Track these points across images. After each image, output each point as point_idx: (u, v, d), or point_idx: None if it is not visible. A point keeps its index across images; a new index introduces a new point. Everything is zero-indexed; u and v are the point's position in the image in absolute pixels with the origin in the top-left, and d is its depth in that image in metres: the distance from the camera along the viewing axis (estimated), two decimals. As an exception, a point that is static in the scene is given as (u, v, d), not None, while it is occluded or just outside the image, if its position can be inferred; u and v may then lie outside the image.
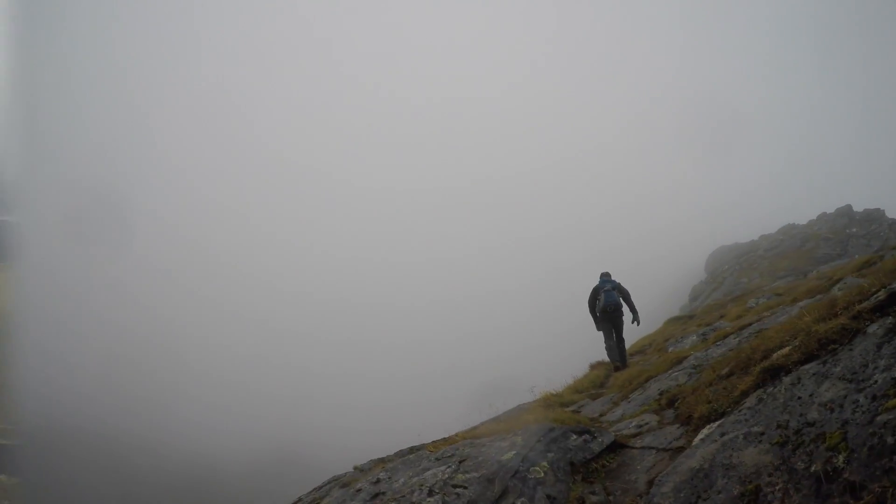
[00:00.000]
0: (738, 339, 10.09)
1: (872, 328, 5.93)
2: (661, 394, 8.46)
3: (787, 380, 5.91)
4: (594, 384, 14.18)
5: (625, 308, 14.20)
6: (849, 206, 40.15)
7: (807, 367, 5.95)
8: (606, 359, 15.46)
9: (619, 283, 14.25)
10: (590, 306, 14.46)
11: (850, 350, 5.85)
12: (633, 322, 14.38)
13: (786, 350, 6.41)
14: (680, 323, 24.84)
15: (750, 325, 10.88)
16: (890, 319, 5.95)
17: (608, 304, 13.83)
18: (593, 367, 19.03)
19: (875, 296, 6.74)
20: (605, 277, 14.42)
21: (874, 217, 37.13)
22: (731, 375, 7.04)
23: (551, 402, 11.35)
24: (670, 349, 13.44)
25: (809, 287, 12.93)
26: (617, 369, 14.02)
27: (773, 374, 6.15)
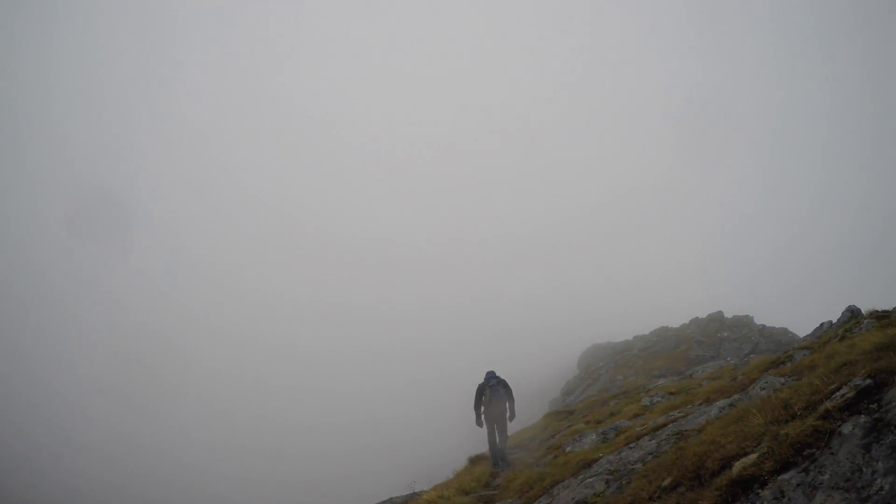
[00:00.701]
0: (654, 441, 8.86)
1: (847, 428, 5.04)
2: (578, 504, 7.01)
3: (766, 494, 4.68)
4: (480, 483, 12.67)
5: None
6: (720, 312, 41.26)
7: (786, 476, 4.78)
8: (485, 453, 15.40)
9: (504, 381, 14.47)
10: (475, 402, 14.54)
11: (832, 454, 4.83)
12: (510, 416, 14.57)
13: (752, 457, 5.18)
14: (561, 418, 23.76)
15: (664, 425, 9.70)
16: (864, 418, 5.08)
17: (493, 400, 14.08)
18: (473, 461, 17.42)
19: (840, 393, 5.74)
20: (491, 374, 14.58)
21: (743, 323, 38.19)
22: (677, 487, 5.72)
23: (440, 509, 9.62)
24: (568, 449, 12.06)
25: (718, 387, 12.00)
26: (496, 465, 13.98)
27: (744, 486, 4.89)
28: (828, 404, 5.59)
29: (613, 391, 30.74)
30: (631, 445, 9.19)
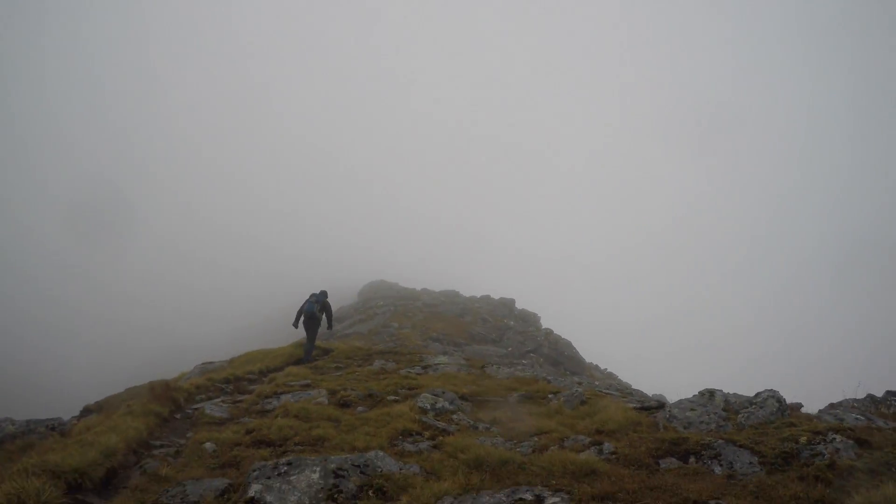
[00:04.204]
0: None
1: None
2: None
3: None
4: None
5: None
6: (513, 300, 36.74)
7: None
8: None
9: (325, 301, 17.23)
10: (297, 312, 17.08)
11: None
12: (327, 327, 18.35)
13: None
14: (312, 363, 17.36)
15: None
16: None
17: (305, 312, 16.73)
18: (154, 388, 10.54)
19: None
20: (316, 294, 17.20)
21: (531, 320, 33.84)
22: None
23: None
24: (253, 493, 5.45)
25: (552, 438, 5.84)
26: (306, 359, 16.42)
27: None
28: None
29: (384, 339, 24.91)
30: None
